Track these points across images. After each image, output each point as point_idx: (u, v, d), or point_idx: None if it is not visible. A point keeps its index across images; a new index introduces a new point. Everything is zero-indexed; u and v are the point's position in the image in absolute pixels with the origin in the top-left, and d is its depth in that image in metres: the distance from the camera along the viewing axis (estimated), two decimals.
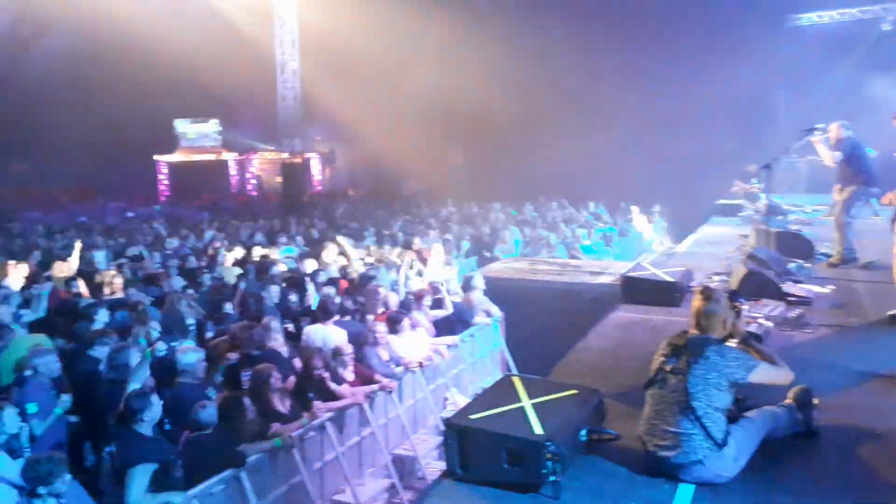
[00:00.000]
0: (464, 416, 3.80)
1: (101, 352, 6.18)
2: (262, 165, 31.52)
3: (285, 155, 24.50)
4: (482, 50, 21.82)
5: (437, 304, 8.79)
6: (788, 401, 3.94)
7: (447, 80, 23.11)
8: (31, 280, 9.58)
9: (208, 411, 5.06)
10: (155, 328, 7.14)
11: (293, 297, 8.42)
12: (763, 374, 3.63)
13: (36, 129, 25.56)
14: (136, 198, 28.05)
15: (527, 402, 3.83)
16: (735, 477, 3.51)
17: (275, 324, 6.81)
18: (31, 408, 5.22)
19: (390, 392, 6.70)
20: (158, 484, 4.58)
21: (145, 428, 4.80)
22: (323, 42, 22.93)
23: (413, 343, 7.57)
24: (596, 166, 20.28)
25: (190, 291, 8.90)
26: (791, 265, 8.09)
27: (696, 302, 3.77)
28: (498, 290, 9.29)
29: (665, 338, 3.84)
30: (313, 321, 7.56)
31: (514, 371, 8.32)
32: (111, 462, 4.77)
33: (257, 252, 11.67)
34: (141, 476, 4.53)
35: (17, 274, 9.75)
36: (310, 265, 10.20)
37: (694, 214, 14.89)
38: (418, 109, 23.56)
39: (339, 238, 12.31)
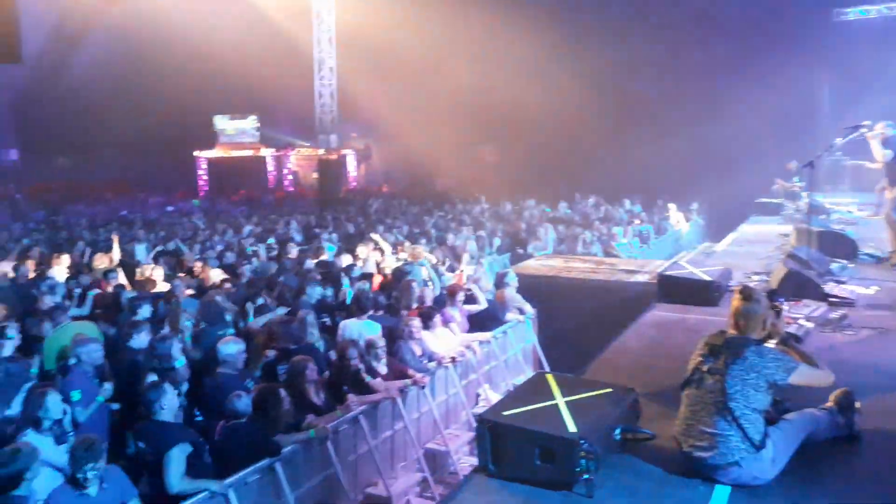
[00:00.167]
0: (497, 413, 3.80)
1: (137, 341, 6.34)
2: (299, 161, 31.89)
3: (321, 151, 24.72)
4: (517, 46, 21.71)
5: (470, 300, 8.79)
6: (829, 404, 3.86)
7: (482, 77, 23.06)
8: (75, 271, 9.85)
9: (244, 401, 5.15)
10: (189, 319, 7.30)
11: (328, 292, 8.52)
12: (803, 375, 3.56)
13: (80, 125, 26.21)
14: (177, 193, 28.66)
15: (560, 400, 3.81)
16: (772, 479, 3.45)
17: (310, 318, 6.89)
18: (75, 395, 5.36)
19: (423, 387, 6.72)
20: (189, 469, 4.66)
21: (166, 415, 4.89)
22: (359, 40, 23.09)
23: (445, 339, 7.59)
24: (632, 163, 20.03)
25: (228, 285, 9.05)
26: (834, 265, 7.91)
27: (736, 301, 3.72)
28: (531, 288, 9.25)
29: (702, 337, 3.79)
30: (348, 315, 7.64)
31: (547, 369, 8.28)
32: (143, 458, 4.82)
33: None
34: (178, 458, 4.61)
35: (63, 265, 10.07)
36: (345, 260, 10.30)
37: (733, 213, 14.61)
38: (453, 106, 23.55)
39: (374, 234, 12.41)
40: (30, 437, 4.70)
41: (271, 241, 13.35)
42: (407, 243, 12.58)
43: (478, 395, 7.85)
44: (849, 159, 13.81)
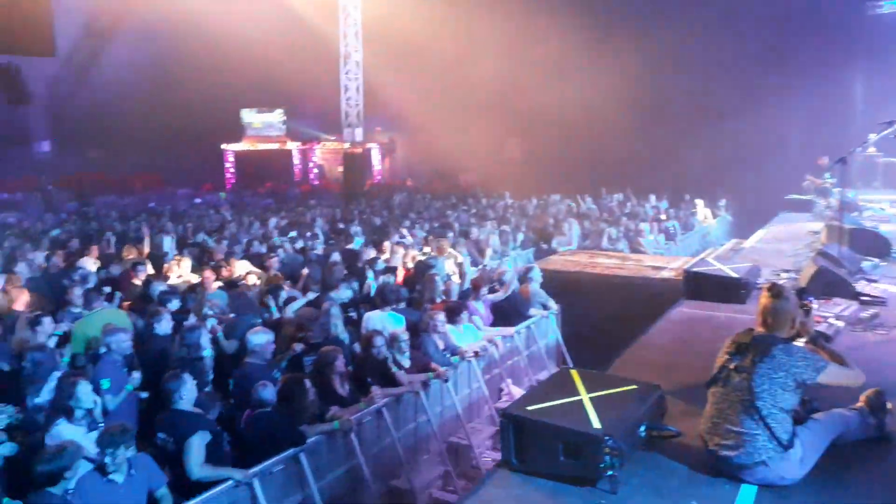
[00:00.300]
0: (521, 407, 3.78)
1: (161, 328, 6.46)
2: (325, 155, 32.09)
3: (346, 145, 24.84)
4: (544, 41, 21.58)
5: (493, 291, 8.81)
6: (860, 404, 3.79)
7: (508, 72, 22.97)
8: (106, 262, 10.01)
9: (269, 390, 5.22)
10: (211, 309, 7.42)
11: (354, 285, 8.58)
12: (833, 375, 3.50)
13: (111, 118, 26.63)
14: (204, 185, 29.01)
15: (585, 396, 3.79)
16: (800, 480, 3.40)
17: (335, 310, 6.94)
18: (105, 384, 5.47)
19: (445, 380, 6.74)
20: (208, 457, 4.71)
21: (185, 405, 4.96)
22: (385, 34, 23.14)
23: (468, 332, 7.60)
24: (659, 158, 19.84)
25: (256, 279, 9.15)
26: (865, 264, 7.76)
27: (764, 299, 3.66)
28: (556, 283, 9.21)
29: (730, 335, 3.75)
30: (372, 308, 7.68)
31: (570, 365, 8.25)
32: (164, 447, 4.87)
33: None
34: (198, 445, 4.67)
35: (93, 256, 10.26)
36: (370, 253, 10.36)
37: (762, 209, 14.41)
38: (477, 101, 23.50)
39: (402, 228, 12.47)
40: (62, 426, 4.79)
41: (293, 234, 13.46)
42: (431, 237, 12.61)
43: (500, 390, 7.85)
44: (882, 156, 13.51)
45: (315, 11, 23.91)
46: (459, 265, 10.14)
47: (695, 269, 7.59)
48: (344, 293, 8.21)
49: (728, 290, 6.97)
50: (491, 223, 14.56)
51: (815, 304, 4.58)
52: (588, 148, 21.96)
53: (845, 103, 19.24)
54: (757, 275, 7.48)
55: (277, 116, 31.35)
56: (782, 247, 9.92)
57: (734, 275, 7.15)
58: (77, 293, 7.52)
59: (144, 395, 5.86)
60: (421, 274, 8.96)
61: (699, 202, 16.94)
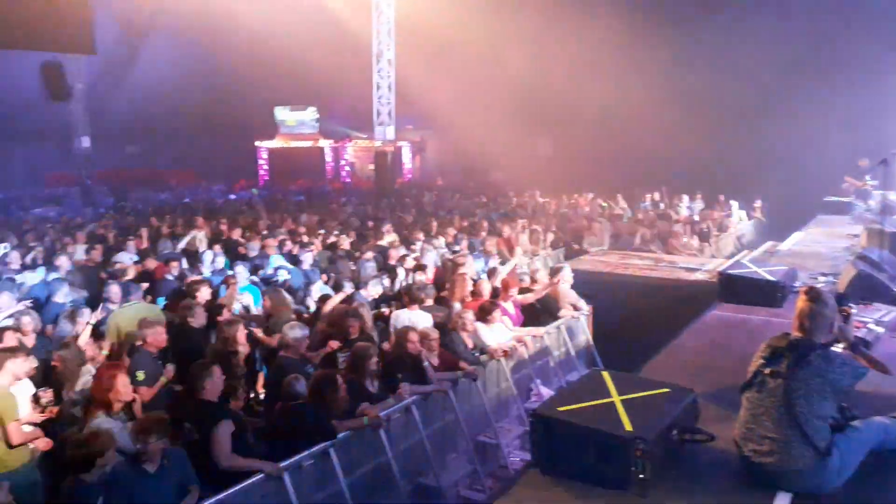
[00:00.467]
0: (552, 408, 3.77)
1: (195, 321, 6.57)
2: (356, 153, 32.28)
3: (378, 143, 24.95)
4: (576, 39, 21.39)
5: (525, 290, 8.78)
6: None
7: (539, 70, 22.83)
8: (142, 255, 10.20)
9: (302, 384, 5.29)
10: (240, 303, 7.53)
11: (385, 282, 8.63)
12: (872, 382, 3.42)
13: (148, 115, 27.11)
14: (237, 181, 29.39)
15: (617, 398, 3.76)
16: (837, 488, 3.33)
17: (364, 309, 6.99)
18: (139, 376, 5.58)
19: (474, 379, 6.73)
20: (236, 447, 4.74)
21: (209, 395, 4.99)
22: (417, 32, 23.18)
23: (498, 332, 7.58)
24: (693, 159, 19.51)
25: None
26: None
27: (801, 303, 3.59)
28: (586, 283, 9.15)
29: (765, 339, 3.68)
30: (402, 306, 7.71)
31: (601, 366, 8.18)
32: (190, 438, 4.84)
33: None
34: (224, 434, 4.70)
35: (130, 250, 10.46)
36: (401, 251, 10.40)
37: (799, 211, 14.12)
38: (509, 100, 23.40)
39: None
40: (101, 419, 4.86)
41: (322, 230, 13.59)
42: (460, 235, 12.59)
43: (530, 390, 7.81)
44: None
45: (348, 10, 24.07)
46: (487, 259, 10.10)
47: (730, 272, 7.48)
48: (374, 290, 8.25)
49: (764, 293, 6.86)
50: (522, 222, 14.49)
51: (854, 309, 4.47)
52: (620, 147, 21.74)
53: (887, 102, 18.73)
54: (794, 278, 7.34)
55: (310, 114, 31.59)
56: (820, 250, 9.73)
57: (770, 277, 7.03)
58: (114, 287, 7.67)
59: (179, 388, 5.96)
60: (450, 272, 8.96)
61: (734, 203, 16.66)
